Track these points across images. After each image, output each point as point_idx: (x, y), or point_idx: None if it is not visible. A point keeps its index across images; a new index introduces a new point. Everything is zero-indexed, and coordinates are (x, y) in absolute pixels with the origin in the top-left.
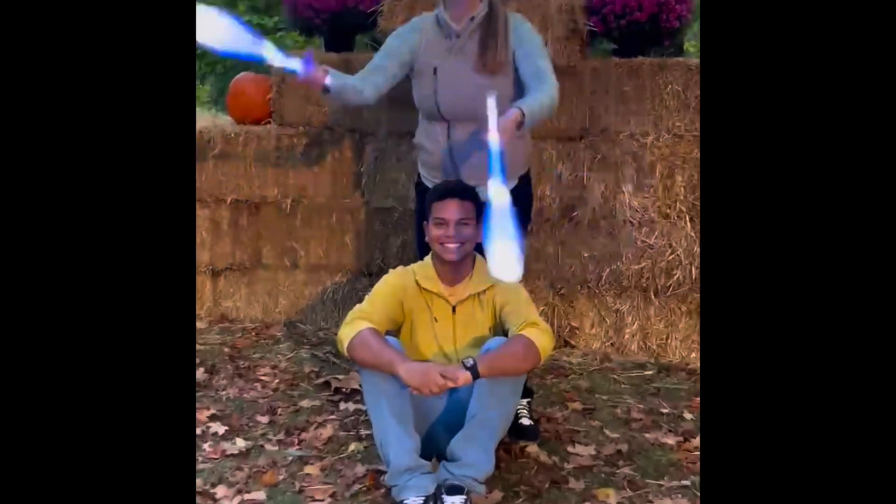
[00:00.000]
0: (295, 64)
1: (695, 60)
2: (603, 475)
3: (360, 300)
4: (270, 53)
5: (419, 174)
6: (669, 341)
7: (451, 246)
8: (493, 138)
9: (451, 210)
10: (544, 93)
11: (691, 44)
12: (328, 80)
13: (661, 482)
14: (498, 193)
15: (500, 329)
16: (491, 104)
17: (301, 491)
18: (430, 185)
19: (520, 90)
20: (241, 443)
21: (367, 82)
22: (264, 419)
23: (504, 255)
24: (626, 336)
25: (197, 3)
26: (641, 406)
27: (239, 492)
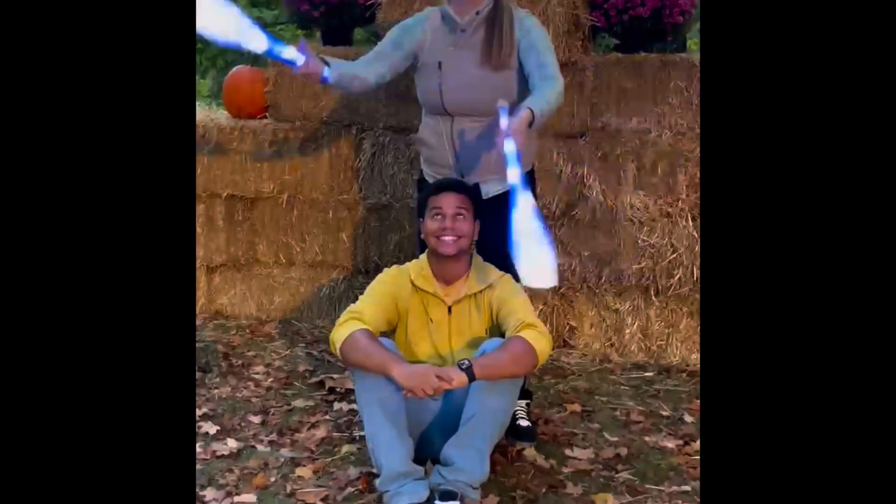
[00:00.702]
0: (291, 54)
1: (698, 56)
2: (601, 480)
3: (356, 298)
4: (265, 44)
5: (421, 171)
6: (670, 342)
7: (448, 238)
8: (509, 145)
9: (447, 202)
10: (552, 88)
11: (694, 41)
12: (326, 73)
13: (661, 487)
14: (522, 198)
15: (496, 331)
16: (503, 112)
17: (292, 494)
18: (431, 182)
19: (524, 83)
20: (232, 443)
21: (370, 69)
22: (256, 419)
23: (537, 262)
24: (626, 336)
25: None
26: (641, 408)
27: (229, 494)
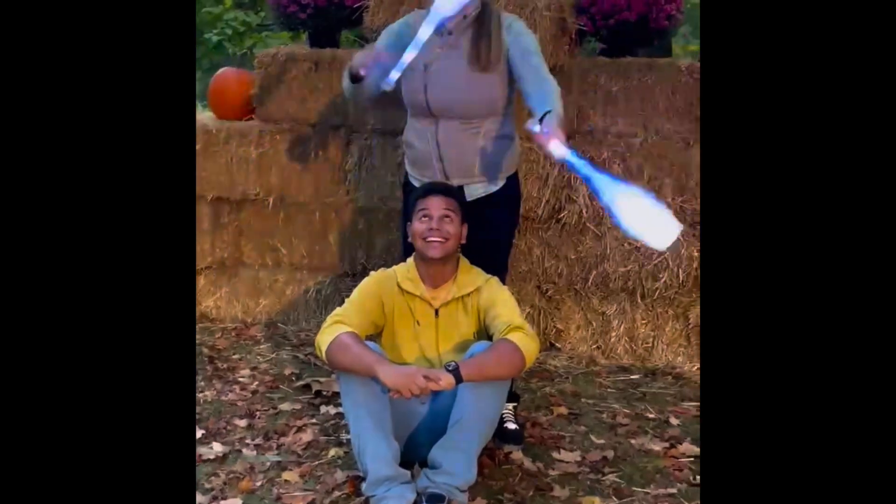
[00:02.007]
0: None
1: (684, 61)
2: (588, 482)
3: (343, 301)
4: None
5: (406, 173)
6: (656, 345)
7: (435, 240)
8: (556, 147)
9: (434, 204)
10: (554, 91)
11: (679, 45)
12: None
13: (647, 490)
14: (599, 179)
15: (484, 334)
16: (534, 125)
17: (279, 498)
18: (417, 185)
19: (510, 88)
20: (217, 447)
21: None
22: (242, 423)
23: (654, 220)
24: (613, 339)
25: None
26: (627, 411)
27: (215, 498)
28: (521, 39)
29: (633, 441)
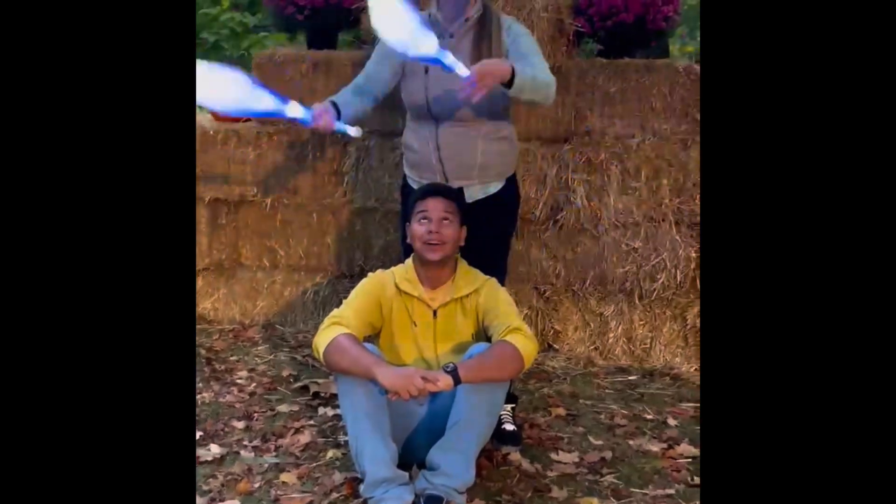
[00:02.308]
0: (298, 111)
1: (682, 62)
2: (586, 483)
3: (341, 302)
4: (272, 105)
5: (405, 175)
6: (653, 346)
7: (434, 244)
8: (461, 68)
9: (434, 206)
10: (544, 77)
11: (676, 47)
12: (338, 126)
13: (646, 490)
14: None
15: (483, 335)
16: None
17: (277, 500)
18: (416, 187)
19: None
20: (215, 449)
21: (366, 96)
22: (240, 424)
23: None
24: (611, 340)
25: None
26: (625, 412)
27: (213, 500)
28: (521, 41)
29: (631, 442)
